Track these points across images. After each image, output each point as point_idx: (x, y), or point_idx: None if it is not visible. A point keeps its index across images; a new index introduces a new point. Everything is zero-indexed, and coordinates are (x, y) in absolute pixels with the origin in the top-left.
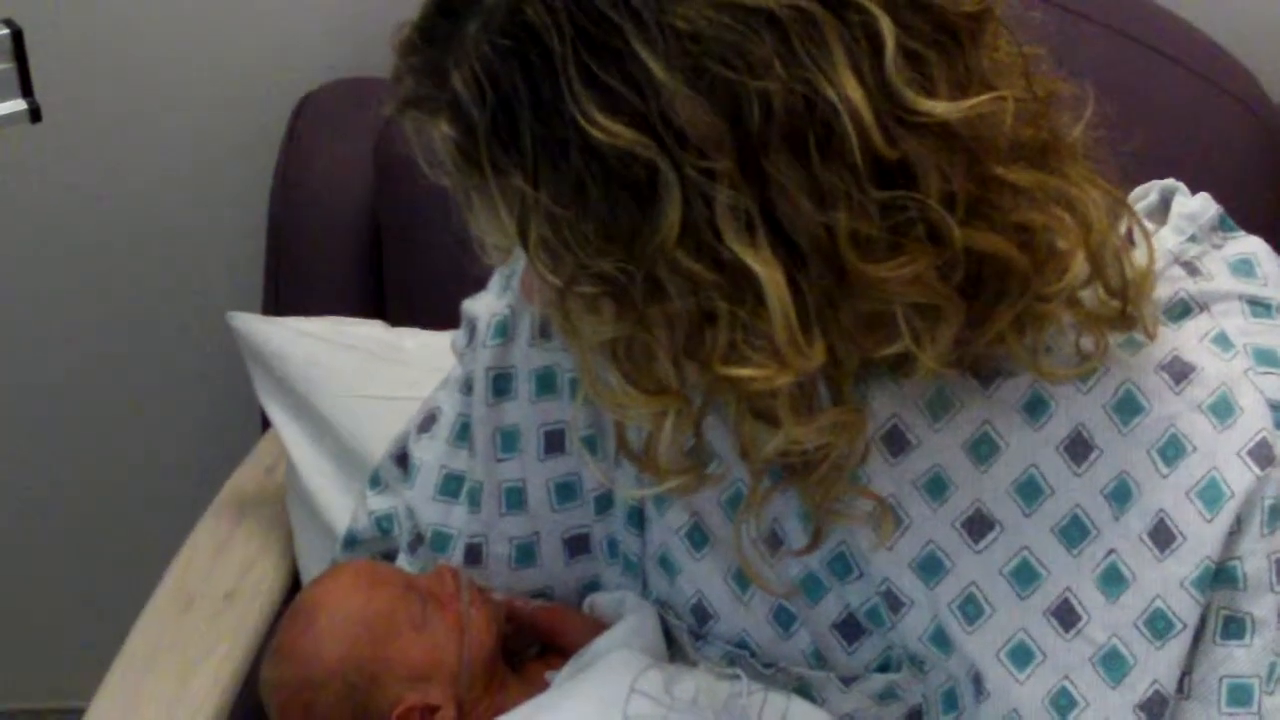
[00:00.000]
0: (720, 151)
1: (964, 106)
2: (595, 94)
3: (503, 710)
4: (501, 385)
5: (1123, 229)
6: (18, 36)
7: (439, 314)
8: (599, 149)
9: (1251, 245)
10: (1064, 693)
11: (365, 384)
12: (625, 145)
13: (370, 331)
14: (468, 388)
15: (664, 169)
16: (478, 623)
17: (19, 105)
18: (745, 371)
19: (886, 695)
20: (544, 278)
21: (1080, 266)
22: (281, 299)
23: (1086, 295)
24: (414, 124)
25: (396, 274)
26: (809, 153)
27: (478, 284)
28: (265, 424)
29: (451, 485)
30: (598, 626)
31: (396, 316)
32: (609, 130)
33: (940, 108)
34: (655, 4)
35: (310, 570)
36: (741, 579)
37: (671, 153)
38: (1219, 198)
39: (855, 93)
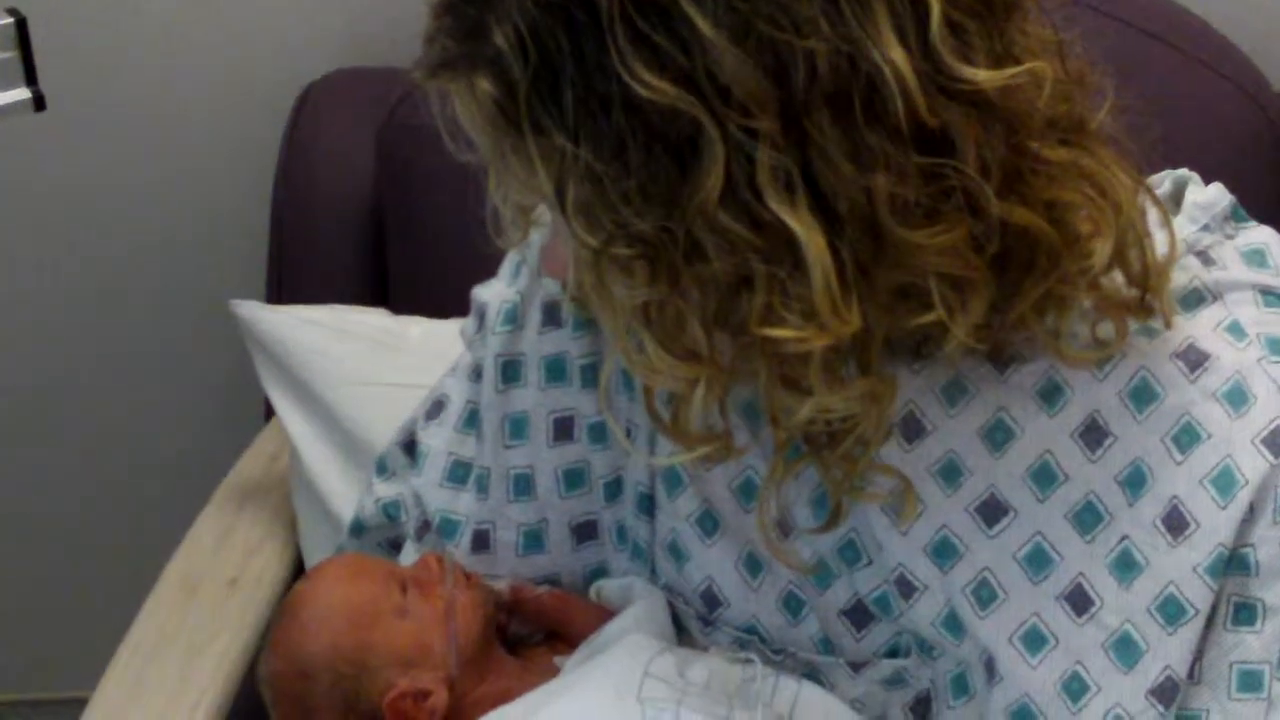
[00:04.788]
0: (764, 111)
1: (1004, 76)
2: (640, 51)
3: (506, 695)
4: (511, 372)
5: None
6: (21, 25)
7: (442, 302)
8: (642, 106)
9: (1263, 235)
10: (1076, 677)
11: (369, 372)
12: (669, 102)
13: (374, 319)
14: (477, 375)
15: (707, 127)
16: (463, 606)
17: (23, 94)
18: (783, 332)
19: (895, 680)
20: (580, 239)
21: (1107, 248)
22: (285, 287)
23: (1107, 281)
24: (440, 92)
25: (399, 262)
26: (852, 114)
27: (480, 271)
28: (269, 412)
29: (459, 472)
30: (604, 614)
31: (399, 305)
32: (653, 87)
33: (981, 75)
34: None
35: (314, 557)
36: (752, 565)
37: (715, 110)
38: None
39: (900, 56)
